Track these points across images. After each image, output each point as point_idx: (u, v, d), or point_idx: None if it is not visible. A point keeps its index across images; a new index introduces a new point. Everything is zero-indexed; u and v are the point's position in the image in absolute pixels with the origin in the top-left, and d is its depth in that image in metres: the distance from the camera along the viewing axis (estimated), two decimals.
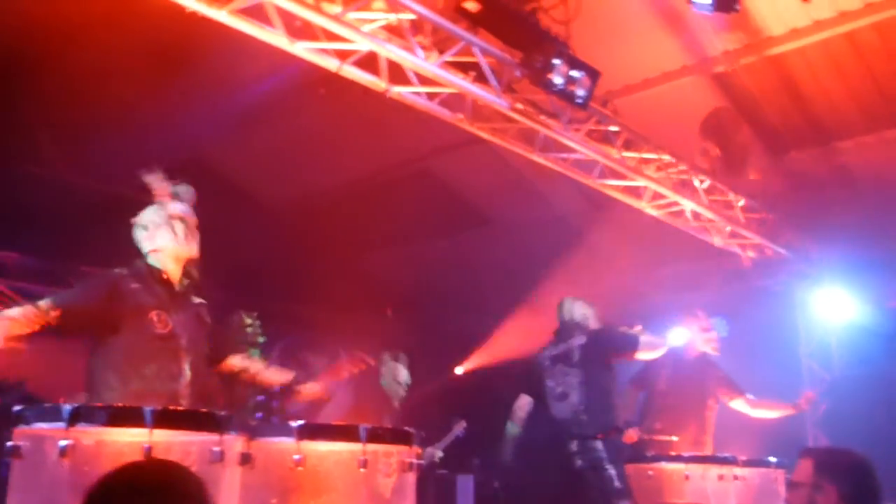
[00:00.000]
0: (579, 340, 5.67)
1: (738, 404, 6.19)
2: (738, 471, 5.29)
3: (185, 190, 3.86)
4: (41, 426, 2.98)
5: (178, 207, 3.80)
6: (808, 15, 5.90)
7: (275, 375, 4.11)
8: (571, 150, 6.20)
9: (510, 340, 9.11)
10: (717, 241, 7.63)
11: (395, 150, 7.71)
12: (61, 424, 2.87)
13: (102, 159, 7.34)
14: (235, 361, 4.07)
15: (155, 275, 3.75)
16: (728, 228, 7.55)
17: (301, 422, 3.32)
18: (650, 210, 7.03)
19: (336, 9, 4.61)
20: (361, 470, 3.29)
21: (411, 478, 3.48)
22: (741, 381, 6.30)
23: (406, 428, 3.56)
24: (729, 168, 6.79)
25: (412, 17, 4.88)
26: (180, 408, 3.40)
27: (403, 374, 6.40)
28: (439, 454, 7.25)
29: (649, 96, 6.77)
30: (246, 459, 3.20)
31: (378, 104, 5.44)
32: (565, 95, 5.12)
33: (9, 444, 3.01)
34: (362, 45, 4.86)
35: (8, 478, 3.01)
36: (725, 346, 6.24)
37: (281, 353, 5.46)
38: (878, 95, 6.63)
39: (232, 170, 7.74)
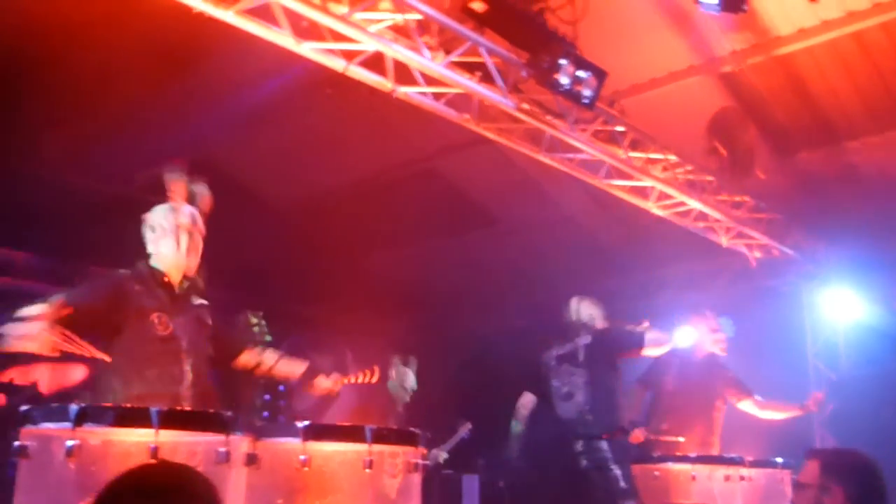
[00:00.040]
0: (585, 340, 5.68)
1: (746, 405, 6.17)
2: (744, 471, 5.29)
3: (202, 191, 3.85)
4: (48, 426, 2.99)
5: (187, 217, 3.78)
6: (815, 15, 5.88)
7: (289, 367, 4.12)
8: (578, 151, 6.19)
9: (514, 340, 9.11)
10: (724, 241, 7.61)
11: (401, 150, 7.71)
12: (68, 425, 2.89)
13: (109, 159, 7.36)
14: (250, 357, 4.07)
15: (156, 277, 3.77)
16: (735, 228, 7.54)
17: (307, 422, 3.33)
18: (656, 210, 7.02)
19: (342, 9, 4.61)
20: (367, 470, 3.29)
21: (417, 478, 3.49)
22: (748, 381, 6.28)
23: (411, 429, 3.57)
24: (736, 168, 6.76)
25: (418, 17, 4.88)
26: (187, 408, 3.41)
27: (411, 379, 6.42)
28: (444, 456, 7.26)
29: (656, 96, 6.76)
30: (252, 460, 3.21)
31: (384, 104, 5.45)
32: (572, 96, 5.12)
33: (16, 443, 3.03)
34: (369, 45, 4.86)
35: (15, 478, 3.02)
36: (732, 347, 6.24)
37: (286, 352, 5.47)
38: (886, 96, 6.61)
39: (238, 170, 7.74)
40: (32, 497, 3.00)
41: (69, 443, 2.86)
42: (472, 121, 5.74)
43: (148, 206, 3.96)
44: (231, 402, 4.70)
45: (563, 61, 4.96)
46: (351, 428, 3.43)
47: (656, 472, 5.36)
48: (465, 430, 7.51)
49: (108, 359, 3.42)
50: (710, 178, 6.99)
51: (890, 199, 7.32)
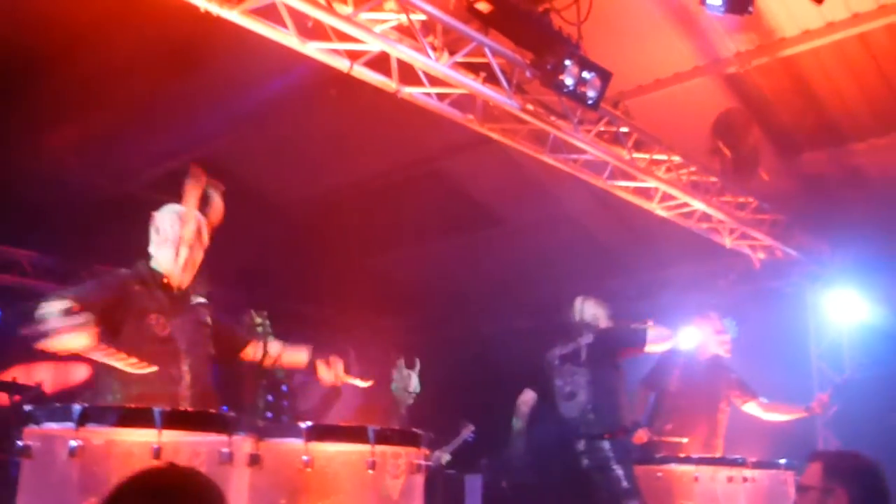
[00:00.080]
0: (587, 339, 5.68)
1: (751, 407, 6.15)
2: (747, 472, 5.28)
3: (216, 200, 3.82)
4: (51, 426, 3.00)
5: (191, 232, 3.76)
6: (821, 16, 5.87)
7: (294, 356, 4.09)
8: (582, 151, 6.19)
9: (518, 340, 9.11)
10: (728, 242, 7.60)
11: (405, 151, 7.71)
12: (71, 425, 2.89)
13: (114, 158, 7.38)
14: (254, 350, 4.05)
15: (156, 278, 3.77)
16: (739, 229, 7.53)
17: (309, 423, 3.33)
18: (660, 211, 7.01)
19: (347, 9, 4.62)
20: (370, 471, 3.29)
21: (419, 479, 3.49)
22: (751, 382, 6.27)
23: (414, 429, 3.56)
24: (740, 169, 6.75)
25: (423, 17, 4.88)
26: (189, 409, 3.41)
27: (414, 382, 6.42)
28: (447, 458, 7.26)
29: (661, 97, 6.75)
30: (255, 460, 3.21)
31: (389, 104, 5.45)
32: (576, 97, 5.11)
33: (19, 443, 3.03)
34: (373, 45, 4.86)
35: (18, 477, 3.03)
36: (735, 348, 6.23)
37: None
38: (890, 97, 6.59)
39: (243, 169, 7.74)
40: (35, 497, 3.01)
41: (72, 443, 2.86)
42: (476, 121, 5.74)
43: (153, 205, 3.95)
44: (233, 403, 4.68)
45: (567, 62, 4.96)
46: (354, 429, 3.42)
47: (659, 473, 5.35)
48: (467, 431, 7.51)
49: (143, 368, 3.39)
50: (713, 179, 6.99)
51: (894, 200, 7.31)
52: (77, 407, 2.91)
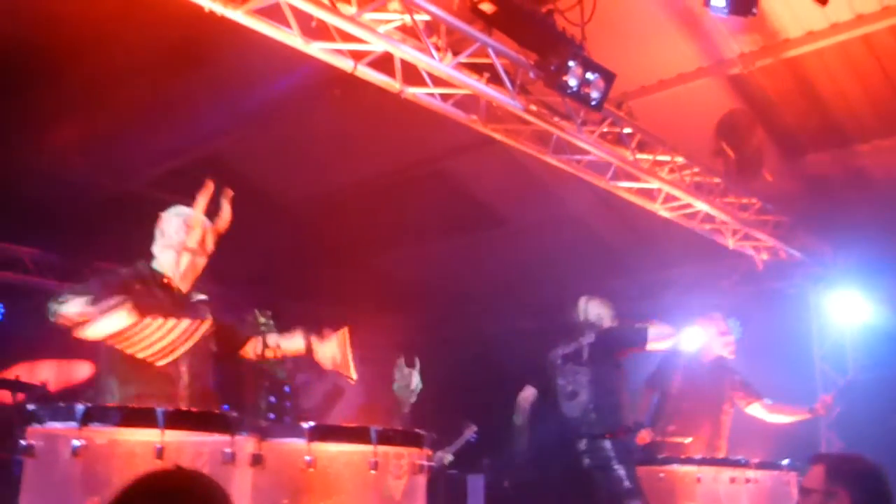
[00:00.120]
0: (588, 339, 5.68)
1: (755, 409, 6.15)
2: (750, 473, 5.28)
3: (224, 209, 3.81)
4: (54, 425, 3.00)
5: (195, 242, 3.75)
6: (824, 17, 5.86)
7: (292, 343, 4.03)
8: (585, 152, 6.19)
9: (521, 340, 9.11)
10: (731, 243, 7.60)
11: (408, 151, 7.71)
12: (74, 424, 2.90)
13: (118, 156, 7.39)
14: (255, 345, 4.04)
15: (156, 278, 3.77)
16: (742, 230, 7.52)
17: (312, 423, 3.33)
18: (663, 212, 7.01)
19: (351, 9, 4.62)
20: (372, 472, 3.29)
21: (422, 480, 3.49)
22: (754, 383, 6.27)
23: (417, 430, 3.56)
24: (743, 170, 6.75)
25: (427, 18, 4.88)
26: (192, 409, 3.41)
27: (416, 380, 6.42)
28: (449, 458, 7.26)
29: (665, 98, 6.75)
30: (257, 460, 3.21)
31: (392, 104, 5.45)
32: (580, 98, 5.11)
33: (22, 442, 3.03)
34: (377, 45, 4.86)
35: (21, 476, 3.03)
36: (738, 349, 6.23)
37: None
38: (894, 98, 6.58)
39: (246, 168, 7.75)
40: (38, 496, 3.01)
41: (75, 442, 2.86)
42: (479, 122, 5.74)
43: (155, 203, 3.96)
44: (235, 403, 4.69)
45: (571, 63, 4.96)
46: (356, 429, 3.42)
47: (661, 474, 5.35)
48: (470, 432, 7.51)
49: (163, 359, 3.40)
50: (717, 179, 6.98)
51: None
52: (80, 406, 2.92)
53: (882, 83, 6.48)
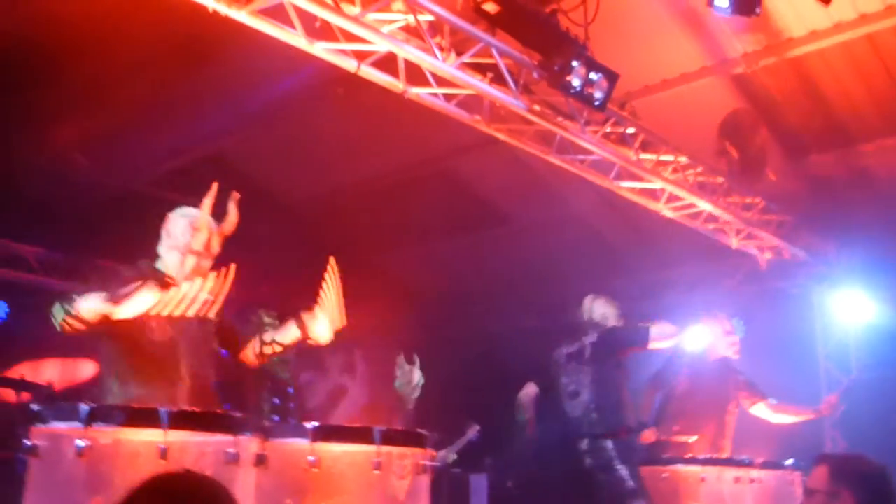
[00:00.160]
0: (591, 338, 5.69)
1: (759, 409, 6.14)
2: (754, 473, 5.27)
3: (231, 211, 3.80)
4: (59, 425, 3.00)
5: (200, 244, 3.73)
6: (828, 17, 5.86)
7: (287, 335, 3.97)
8: (588, 152, 6.19)
9: (525, 340, 9.10)
10: (734, 242, 7.59)
11: (413, 150, 7.72)
12: (78, 424, 2.90)
13: (122, 155, 7.40)
14: (254, 345, 4.00)
15: (158, 279, 3.71)
16: (746, 230, 7.51)
17: (315, 423, 3.33)
18: (667, 211, 7.00)
19: (355, 10, 4.62)
20: (375, 472, 3.29)
21: (425, 480, 3.48)
22: (759, 383, 6.26)
23: (420, 430, 3.57)
24: (747, 170, 6.75)
25: (430, 18, 4.88)
26: (197, 409, 3.41)
27: (417, 375, 6.41)
28: (452, 457, 7.26)
29: (668, 97, 6.75)
30: (261, 460, 3.21)
31: (397, 104, 5.45)
32: (583, 98, 5.11)
33: (26, 442, 3.04)
34: (381, 45, 4.87)
35: (24, 476, 3.04)
36: (742, 348, 6.22)
37: (297, 350, 5.47)
38: None
39: (250, 168, 7.77)
40: (42, 495, 3.02)
41: (79, 442, 2.86)
42: (483, 122, 5.74)
43: (159, 202, 3.95)
44: (237, 404, 4.68)
45: (575, 63, 4.96)
46: (360, 429, 3.42)
47: (665, 474, 5.35)
48: (473, 431, 7.51)
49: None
50: (720, 179, 6.98)
51: None
52: (84, 406, 2.92)
53: (886, 82, 6.48)
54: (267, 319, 4.44)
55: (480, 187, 8.48)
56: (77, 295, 3.40)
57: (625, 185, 6.67)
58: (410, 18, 4.82)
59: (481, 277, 9.61)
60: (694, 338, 6.11)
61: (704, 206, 7.01)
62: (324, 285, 3.93)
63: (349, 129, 7.25)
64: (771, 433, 6.26)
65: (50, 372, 7.69)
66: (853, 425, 7.63)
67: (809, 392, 7.30)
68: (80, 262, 8.51)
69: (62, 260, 8.57)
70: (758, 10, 4.96)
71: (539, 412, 6.01)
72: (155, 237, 3.90)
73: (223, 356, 3.97)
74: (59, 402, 4.08)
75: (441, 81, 5.30)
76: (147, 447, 2.91)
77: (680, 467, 5.33)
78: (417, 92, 5.32)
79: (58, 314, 3.42)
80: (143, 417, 2.97)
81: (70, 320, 3.39)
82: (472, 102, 5.61)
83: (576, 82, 4.99)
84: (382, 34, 4.77)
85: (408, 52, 4.92)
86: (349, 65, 4.98)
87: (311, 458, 3.24)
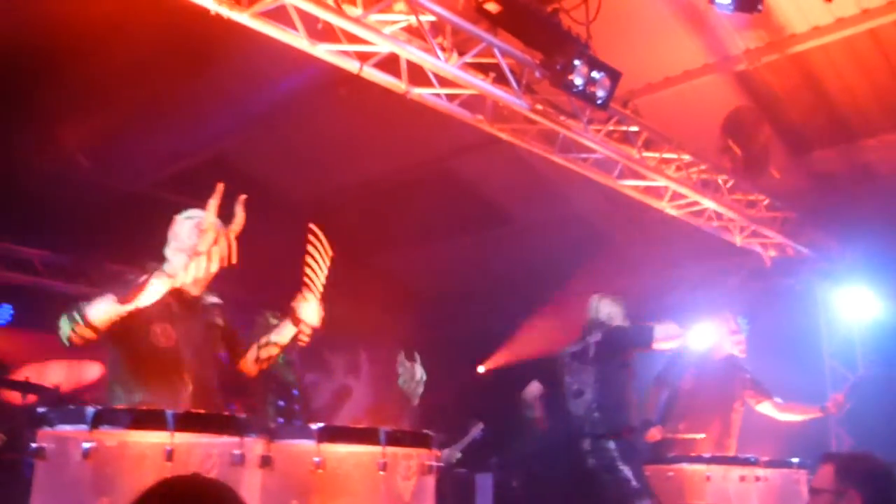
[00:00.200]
0: (595, 338, 5.68)
1: (765, 407, 6.13)
2: (759, 471, 5.25)
3: (238, 214, 3.80)
4: (65, 428, 3.02)
5: (205, 246, 3.69)
6: (830, 12, 5.86)
7: (283, 334, 3.96)
8: (591, 151, 6.18)
9: (530, 340, 9.11)
10: (738, 240, 7.58)
11: (415, 150, 7.72)
12: (84, 427, 2.91)
13: (126, 158, 7.42)
14: (252, 353, 3.98)
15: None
16: (750, 227, 7.50)
17: (321, 424, 3.34)
18: (670, 210, 7.00)
19: (357, 11, 4.62)
20: (381, 473, 3.29)
21: (431, 480, 3.49)
22: (764, 381, 6.25)
23: (425, 431, 3.57)
24: (750, 167, 6.74)
25: (432, 18, 4.88)
26: (202, 411, 3.42)
27: (419, 371, 6.40)
28: (457, 456, 7.26)
29: (671, 95, 6.75)
30: (266, 462, 3.21)
31: (399, 104, 5.46)
32: (586, 96, 5.11)
33: (33, 445, 3.05)
34: (383, 46, 4.87)
35: (31, 478, 3.05)
36: (747, 346, 6.21)
37: (301, 351, 5.48)
38: None
39: (253, 169, 7.77)
40: (49, 498, 3.03)
41: (86, 444, 2.87)
42: (485, 121, 5.74)
43: (164, 204, 3.95)
44: (244, 407, 4.67)
45: (577, 62, 4.95)
46: (365, 430, 3.42)
47: (670, 473, 5.33)
48: (477, 430, 7.51)
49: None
50: (724, 177, 6.97)
51: None
52: (90, 409, 2.94)
53: (888, 78, 6.46)
54: (273, 321, 4.43)
55: (484, 187, 8.48)
56: (84, 304, 3.40)
57: (628, 184, 6.66)
58: (412, 19, 4.82)
59: (485, 277, 9.61)
60: (699, 336, 6.10)
61: (708, 203, 7.00)
62: (308, 261, 3.92)
63: (352, 130, 7.25)
64: (776, 431, 6.25)
65: (55, 374, 7.69)
66: (859, 423, 7.61)
67: (814, 390, 7.29)
68: (85, 265, 8.53)
69: (66, 262, 8.59)
70: (760, 7, 4.96)
71: (548, 408, 6.00)
72: (158, 239, 3.90)
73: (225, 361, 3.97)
74: (66, 404, 4.08)
75: (443, 82, 5.30)
76: (153, 449, 2.92)
77: (685, 466, 5.31)
78: (420, 92, 5.32)
79: (65, 327, 3.40)
80: (148, 420, 2.98)
81: (80, 330, 3.38)
82: (474, 102, 5.61)
83: (578, 81, 4.98)
84: (384, 35, 4.78)
85: (410, 52, 4.92)
86: (351, 66, 4.98)
87: (316, 459, 3.25)
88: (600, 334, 5.68)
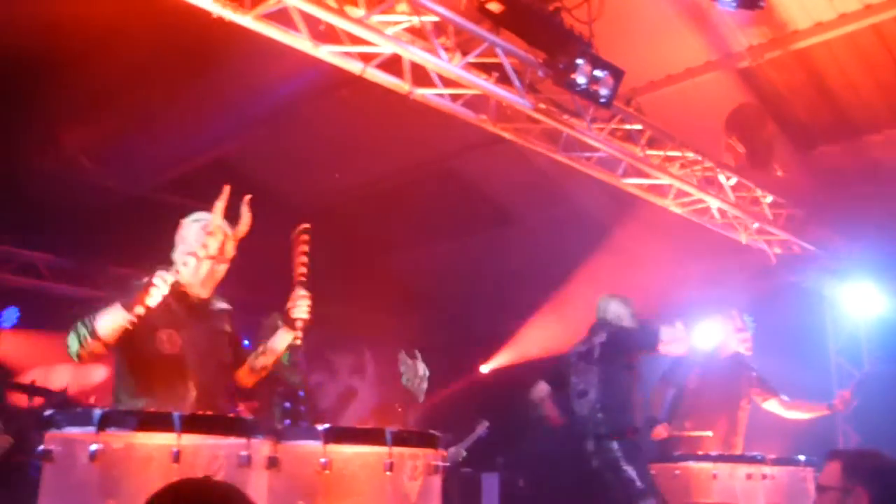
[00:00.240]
0: (600, 338, 5.67)
1: (772, 405, 6.11)
2: (766, 469, 5.24)
3: (244, 215, 3.79)
4: (72, 430, 3.02)
5: (214, 249, 3.70)
6: (833, 8, 5.84)
7: (279, 340, 3.90)
8: (595, 150, 6.18)
9: (535, 339, 9.11)
10: (744, 237, 7.57)
11: (419, 150, 7.72)
12: (91, 429, 2.91)
13: (130, 161, 7.42)
14: (249, 363, 3.96)
15: (173, 287, 3.62)
16: (755, 225, 7.49)
17: (327, 425, 3.34)
18: (675, 208, 6.99)
19: (359, 12, 4.62)
20: (387, 473, 3.29)
21: (437, 481, 3.49)
22: (769, 378, 6.24)
23: (432, 431, 3.57)
24: (754, 164, 6.73)
25: (435, 18, 4.88)
26: (209, 413, 3.42)
27: (421, 367, 6.41)
28: (462, 454, 7.27)
29: (673, 92, 6.73)
30: (273, 463, 3.22)
31: (401, 105, 5.46)
32: (589, 95, 5.11)
33: (40, 447, 3.06)
34: (386, 47, 4.87)
35: (38, 479, 3.06)
36: (753, 344, 6.20)
37: (306, 352, 5.48)
38: None
39: (257, 171, 7.78)
40: (56, 499, 3.03)
41: (93, 447, 2.88)
42: (489, 121, 5.74)
43: (168, 207, 3.96)
44: (250, 410, 4.68)
45: (579, 61, 4.95)
46: (371, 430, 3.43)
47: (677, 471, 5.33)
48: (482, 428, 7.51)
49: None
50: (728, 174, 6.96)
51: None
52: (97, 411, 2.94)
53: (892, 73, 6.44)
54: (280, 322, 4.44)
55: (487, 187, 8.48)
56: (91, 318, 3.39)
57: (632, 182, 6.66)
58: (415, 20, 4.82)
59: (489, 277, 9.61)
60: (705, 334, 6.09)
61: (712, 201, 6.99)
62: (296, 258, 3.92)
63: (354, 132, 7.26)
64: (783, 429, 6.23)
65: (62, 376, 7.71)
66: (865, 420, 7.60)
67: (821, 387, 7.27)
68: (88, 268, 8.55)
69: (70, 266, 8.61)
70: (762, 3, 4.96)
71: (559, 407, 5.99)
72: (161, 241, 3.90)
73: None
74: (72, 406, 4.09)
75: (447, 82, 5.30)
76: (160, 451, 2.92)
77: (692, 464, 5.31)
78: (423, 93, 5.32)
79: (73, 344, 3.42)
80: (155, 421, 2.99)
81: (88, 346, 3.39)
82: (477, 102, 5.61)
83: (581, 80, 4.98)
84: (387, 36, 4.78)
85: (413, 53, 4.93)
86: (355, 67, 4.99)
87: (322, 459, 3.25)
88: (605, 334, 5.67)
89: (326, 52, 4.84)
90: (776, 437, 6.05)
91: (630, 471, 5.28)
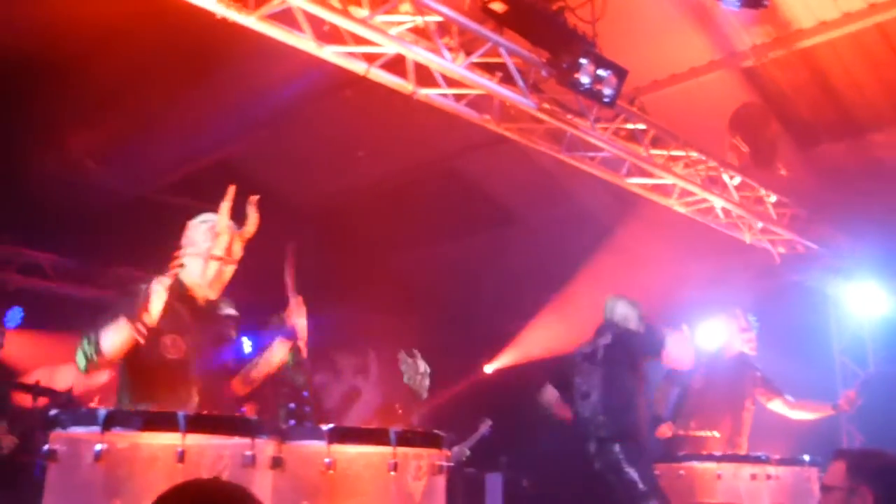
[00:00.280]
0: (605, 340, 5.65)
1: (777, 405, 6.10)
2: (771, 469, 5.25)
3: (251, 215, 3.79)
4: (77, 430, 3.03)
5: (221, 250, 3.69)
6: (837, 7, 5.84)
7: (274, 353, 3.89)
8: (599, 149, 6.18)
9: (538, 339, 9.10)
10: (747, 237, 7.56)
11: (422, 150, 7.72)
12: (96, 429, 2.93)
13: (135, 162, 7.43)
14: (243, 376, 3.93)
15: (179, 291, 3.66)
16: (759, 224, 7.48)
17: (331, 425, 3.34)
18: (679, 207, 6.98)
19: (363, 12, 4.63)
20: (392, 473, 3.30)
21: (441, 481, 3.49)
22: (773, 377, 6.23)
23: (436, 431, 3.57)
24: (758, 163, 6.72)
25: (439, 18, 4.88)
26: (214, 413, 3.42)
27: (422, 365, 6.41)
28: (466, 453, 7.27)
29: (677, 92, 6.73)
30: (277, 463, 3.23)
31: (404, 105, 5.46)
32: (592, 95, 5.11)
33: (45, 447, 3.07)
34: (389, 47, 4.87)
35: (42, 479, 3.06)
36: (757, 343, 6.19)
37: (309, 353, 5.47)
38: None
39: (261, 172, 7.77)
40: (61, 499, 3.04)
41: (97, 446, 2.89)
42: (492, 121, 5.74)
43: (172, 208, 3.96)
44: (254, 412, 4.67)
45: (583, 60, 4.95)
46: (375, 430, 3.44)
47: (681, 471, 5.33)
48: (485, 427, 7.51)
49: None
50: (732, 174, 6.95)
51: None
52: (102, 411, 2.95)
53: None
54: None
55: (491, 187, 8.48)
56: (97, 335, 3.39)
57: (636, 182, 6.65)
58: (418, 20, 4.83)
59: (493, 277, 9.60)
60: (710, 334, 6.08)
61: (716, 201, 6.98)
62: (287, 274, 3.93)
63: (357, 132, 7.26)
64: (787, 429, 6.23)
65: (66, 376, 7.72)
66: (870, 419, 7.59)
67: (825, 387, 7.27)
68: (93, 268, 8.56)
69: (75, 266, 8.62)
70: (766, 2, 4.95)
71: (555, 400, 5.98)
72: (165, 242, 3.89)
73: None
74: (77, 406, 4.10)
75: (450, 82, 5.31)
76: (165, 451, 2.93)
77: (696, 464, 5.31)
78: (427, 93, 5.32)
79: (81, 361, 3.43)
80: (160, 421, 3.00)
81: (97, 363, 3.40)
82: (481, 102, 5.61)
83: (584, 79, 4.98)
84: (391, 36, 4.78)
85: (416, 53, 4.93)
86: (358, 67, 4.99)
87: (327, 460, 3.26)
88: (611, 336, 5.65)
89: (330, 53, 4.84)
90: (780, 437, 6.04)
91: (632, 473, 5.25)
